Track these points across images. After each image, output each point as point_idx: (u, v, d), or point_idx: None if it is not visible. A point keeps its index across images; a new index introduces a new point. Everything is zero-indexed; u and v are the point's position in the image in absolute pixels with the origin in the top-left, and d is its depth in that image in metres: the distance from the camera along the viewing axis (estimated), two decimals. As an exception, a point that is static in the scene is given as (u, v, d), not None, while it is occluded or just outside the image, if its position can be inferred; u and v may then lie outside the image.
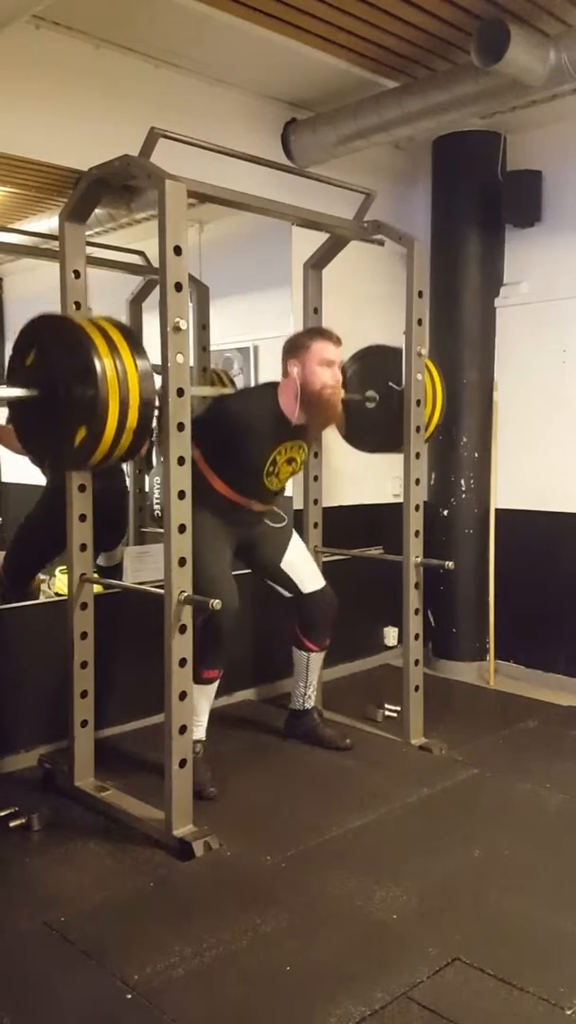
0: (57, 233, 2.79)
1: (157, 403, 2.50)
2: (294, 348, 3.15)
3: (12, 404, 2.66)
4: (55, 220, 2.81)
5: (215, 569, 3.06)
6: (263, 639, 3.85)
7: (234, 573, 3.19)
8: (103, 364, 2.38)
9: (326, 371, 3.11)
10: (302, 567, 3.43)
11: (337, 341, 3.17)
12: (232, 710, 3.87)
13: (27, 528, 3.73)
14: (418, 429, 3.37)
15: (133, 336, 2.50)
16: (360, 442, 3.75)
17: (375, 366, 3.59)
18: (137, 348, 2.47)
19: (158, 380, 2.49)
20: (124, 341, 2.46)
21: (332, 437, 3.77)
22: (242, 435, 3.11)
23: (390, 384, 3.48)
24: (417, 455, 3.38)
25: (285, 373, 3.16)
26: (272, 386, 3.21)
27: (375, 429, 3.58)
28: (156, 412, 2.52)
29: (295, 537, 3.46)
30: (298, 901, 2.36)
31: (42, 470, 3.62)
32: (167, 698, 2.58)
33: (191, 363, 3.27)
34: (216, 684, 3.11)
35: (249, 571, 3.47)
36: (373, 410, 3.57)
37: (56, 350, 2.53)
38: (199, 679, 2.87)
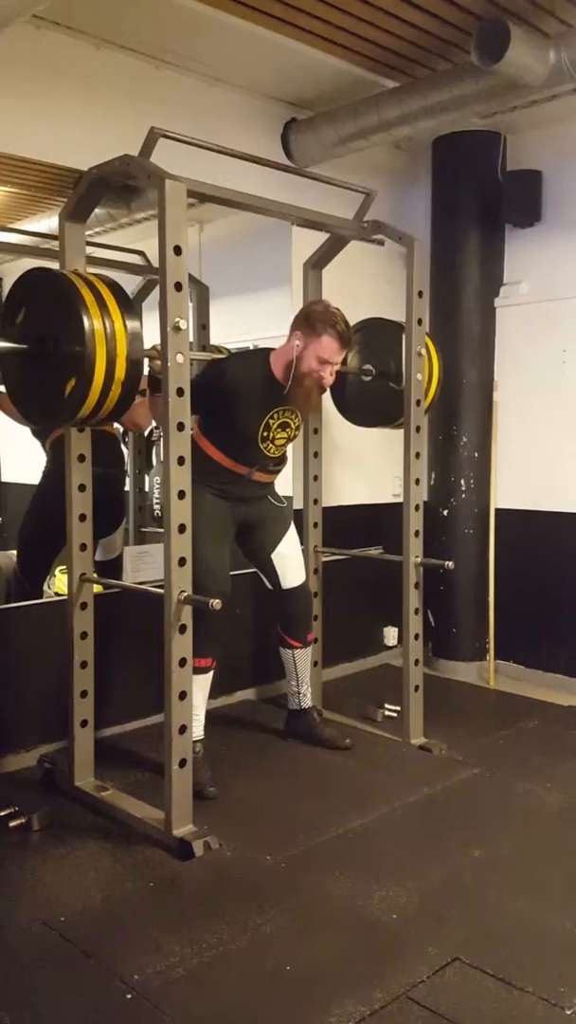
0: (57, 233, 2.79)
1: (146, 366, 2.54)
2: (307, 325, 3.11)
3: (3, 360, 2.65)
4: (55, 220, 2.82)
5: (211, 557, 3.06)
6: (262, 639, 3.85)
7: (232, 573, 3.19)
8: (91, 320, 2.38)
9: (322, 367, 3.10)
10: (290, 562, 3.42)
11: (346, 343, 3.16)
12: (232, 710, 3.87)
13: (29, 521, 3.73)
14: (418, 429, 3.37)
15: (123, 293, 2.51)
16: (354, 416, 3.79)
17: (375, 339, 3.60)
18: (127, 306, 2.48)
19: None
20: (112, 298, 2.46)
21: (329, 442, 3.77)
22: (233, 396, 3.09)
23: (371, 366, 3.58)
24: (417, 455, 3.38)
25: (288, 338, 3.15)
26: (265, 351, 3.20)
27: (370, 403, 3.62)
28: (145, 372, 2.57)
29: (292, 530, 3.45)
30: (298, 901, 2.36)
31: (36, 435, 3.66)
32: (167, 698, 2.58)
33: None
34: (211, 675, 3.10)
35: (245, 571, 3.48)
36: (369, 384, 3.61)
37: (46, 305, 2.51)
38: (192, 669, 2.86)
